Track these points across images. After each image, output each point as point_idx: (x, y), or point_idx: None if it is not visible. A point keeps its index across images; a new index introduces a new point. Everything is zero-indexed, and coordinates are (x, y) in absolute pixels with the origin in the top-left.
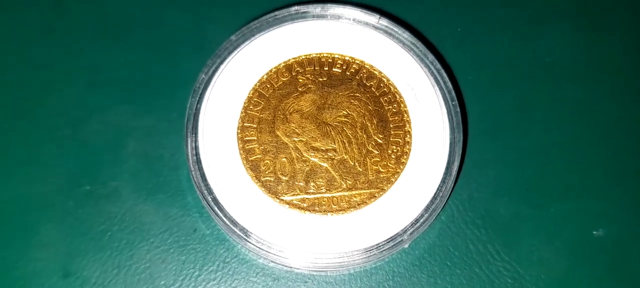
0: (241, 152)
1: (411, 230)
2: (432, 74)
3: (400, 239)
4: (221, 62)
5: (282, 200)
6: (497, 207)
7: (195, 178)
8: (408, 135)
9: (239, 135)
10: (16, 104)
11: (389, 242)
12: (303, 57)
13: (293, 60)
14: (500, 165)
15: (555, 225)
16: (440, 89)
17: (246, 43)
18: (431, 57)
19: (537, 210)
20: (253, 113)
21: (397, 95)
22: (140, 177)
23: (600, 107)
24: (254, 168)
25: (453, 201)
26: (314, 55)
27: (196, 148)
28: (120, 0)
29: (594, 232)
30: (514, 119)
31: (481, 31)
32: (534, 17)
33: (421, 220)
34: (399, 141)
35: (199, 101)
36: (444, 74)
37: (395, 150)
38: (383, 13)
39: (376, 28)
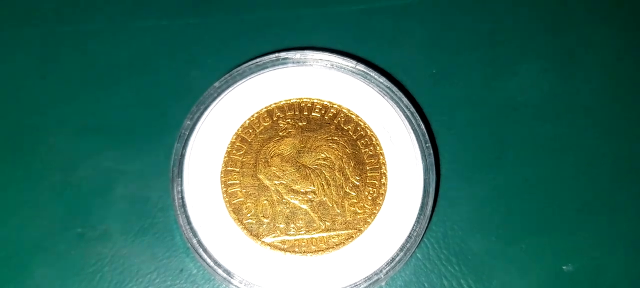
0: (224, 195)
1: (387, 269)
2: (407, 117)
3: (376, 278)
4: (205, 108)
5: (263, 242)
6: (470, 244)
7: (180, 221)
8: (384, 177)
9: (222, 179)
10: (8, 149)
11: (366, 280)
12: (283, 102)
13: (274, 105)
14: (473, 203)
15: (527, 260)
16: (415, 131)
17: (229, 89)
18: (405, 100)
19: (509, 246)
20: (236, 157)
21: (374, 138)
22: (129, 219)
23: (569, 144)
24: (237, 211)
25: (428, 239)
26: (294, 100)
27: (181, 191)
28: (109, 48)
29: (564, 267)
30: (486, 158)
31: (454, 73)
32: (505, 59)
33: (397, 259)
34: (375, 183)
35: (184, 146)
36: (418, 118)
37: (371, 192)
38: (360, 59)
39: (353, 73)
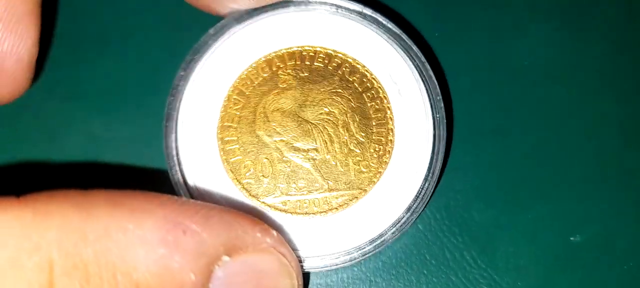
0: (221, 152)
1: (393, 231)
2: (417, 67)
3: (382, 240)
4: (199, 58)
5: (263, 202)
6: (473, 214)
7: (175, 180)
8: (391, 133)
9: (219, 136)
10: None
11: (370, 243)
12: (284, 51)
13: (274, 54)
14: (478, 170)
15: (532, 231)
16: (424, 83)
17: (225, 37)
18: (415, 48)
19: (514, 217)
20: (233, 112)
21: (381, 91)
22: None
23: (578, 109)
24: (235, 170)
25: (430, 209)
26: (296, 48)
27: (176, 148)
28: (95, 11)
29: (572, 238)
30: (492, 122)
31: (459, 34)
32: (514, 19)
33: (403, 221)
34: (381, 139)
35: (178, 99)
36: (428, 68)
37: (377, 149)
38: (367, 3)
39: (359, 18)
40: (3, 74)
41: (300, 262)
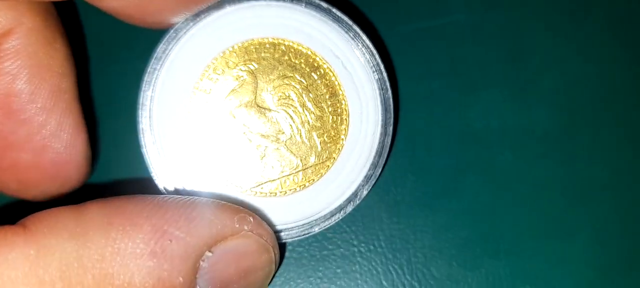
0: (200, 150)
1: (366, 185)
2: (353, 38)
3: (359, 194)
4: (160, 67)
5: (244, 190)
6: (432, 270)
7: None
8: (343, 102)
9: (194, 135)
10: None
11: (347, 202)
12: (232, 48)
13: (226, 52)
14: (434, 229)
15: (486, 284)
16: (363, 50)
17: (173, 48)
18: (347, 19)
19: (467, 271)
20: (202, 113)
21: (327, 66)
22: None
23: (525, 171)
24: (213, 164)
25: (392, 265)
26: (241, 43)
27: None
28: None
29: None
30: (446, 184)
31: (413, 104)
32: (468, 86)
33: (371, 176)
34: (336, 110)
35: (148, 113)
36: (364, 37)
37: (335, 119)
38: None
39: (296, 4)
40: (65, 166)
41: (279, 239)
